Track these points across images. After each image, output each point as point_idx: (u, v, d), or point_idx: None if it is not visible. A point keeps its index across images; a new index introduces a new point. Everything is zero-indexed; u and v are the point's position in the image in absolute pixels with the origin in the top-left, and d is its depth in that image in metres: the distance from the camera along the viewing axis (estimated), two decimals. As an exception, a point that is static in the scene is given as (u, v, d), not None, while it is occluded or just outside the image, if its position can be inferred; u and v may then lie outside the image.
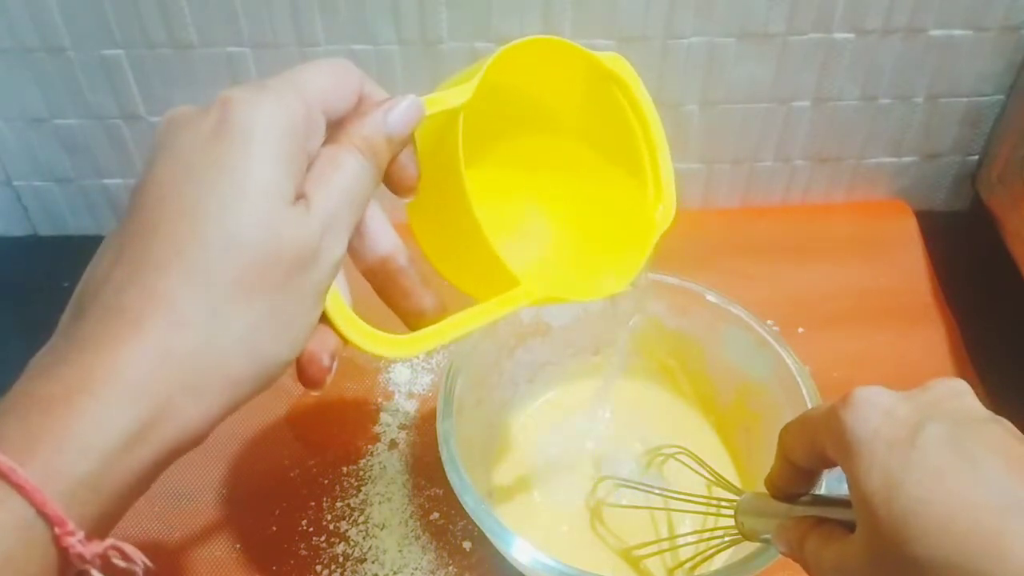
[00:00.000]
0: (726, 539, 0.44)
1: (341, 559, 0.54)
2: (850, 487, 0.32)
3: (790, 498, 0.38)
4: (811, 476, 0.37)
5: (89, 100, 0.63)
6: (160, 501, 0.56)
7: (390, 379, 0.63)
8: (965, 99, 0.67)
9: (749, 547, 0.43)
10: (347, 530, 0.55)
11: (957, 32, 0.63)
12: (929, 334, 0.65)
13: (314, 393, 0.59)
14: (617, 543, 0.52)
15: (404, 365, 0.63)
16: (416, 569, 0.53)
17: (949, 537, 0.28)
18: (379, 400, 0.62)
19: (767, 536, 0.39)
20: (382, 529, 0.55)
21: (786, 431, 0.37)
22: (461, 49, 0.62)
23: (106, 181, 0.69)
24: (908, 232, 0.71)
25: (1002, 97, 0.67)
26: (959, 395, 0.33)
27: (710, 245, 0.70)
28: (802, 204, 0.73)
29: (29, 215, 0.71)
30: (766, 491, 0.40)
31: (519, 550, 0.43)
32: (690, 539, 0.50)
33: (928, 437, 0.30)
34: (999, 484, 0.29)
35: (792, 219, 0.72)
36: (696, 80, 0.64)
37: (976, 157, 0.71)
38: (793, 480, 0.38)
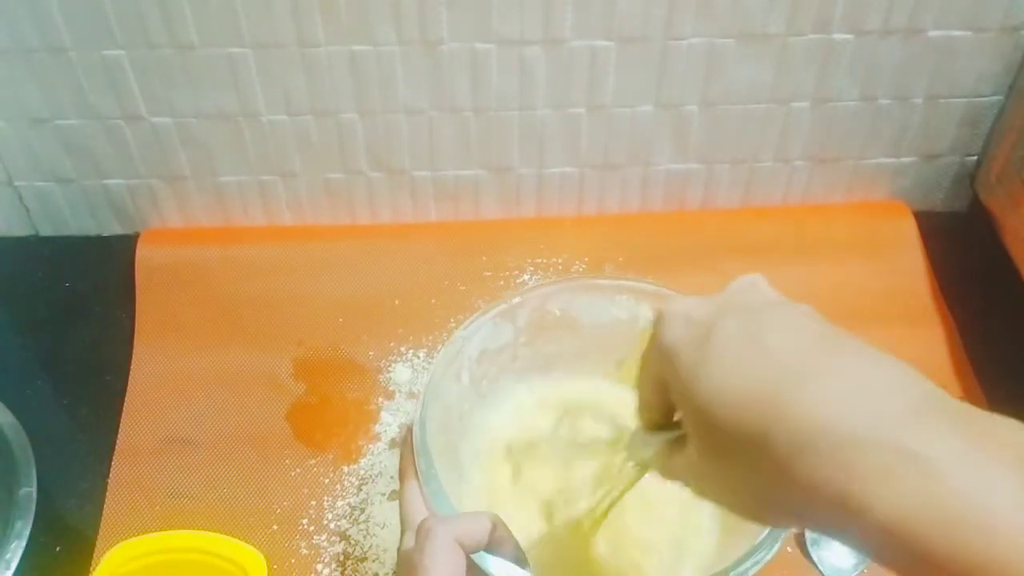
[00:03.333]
0: (627, 475, 0.45)
1: (342, 558, 0.54)
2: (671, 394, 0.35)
3: (661, 427, 0.40)
4: (668, 406, 0.40)
5: (90, 101, 0.64)
6: (160, 500, 0.56)
7: (391, 379, 0.63)
8: (964, 100, 0.67)
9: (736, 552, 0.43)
10: (348, 529, 0.55)
11: (956, 33, 0.63)
12: (928, 334, 0.65)
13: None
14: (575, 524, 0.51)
15: (405, 365, 0.63)
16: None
17: (745, 415, 0.31)
18: (380, 400, 0.62)
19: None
20: (383, 528, 0.55)
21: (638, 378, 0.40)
22: (461, 50, 0.62)
23: (107, 181, 0.69)
24: (907, 232, 0.71)
25: (1001, 98, 0.67)
26: (752, 285, 0.36)
27: (710, 245, 0.70)
28: (802, 204, 0.73)
29: (30, 215, 0.71)
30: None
31: (493, 565, 0.41)
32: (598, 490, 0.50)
33: (720, 331, 0.33)
34: (781, 357, 0.31)
35: (792, 219, 0.72)
36: (696, 80, 0.65)
37: (975, 157, 0.71)
38: (654, 413, 0.40)
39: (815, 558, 0.54)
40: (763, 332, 0.32)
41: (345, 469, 0.58)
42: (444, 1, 0.59)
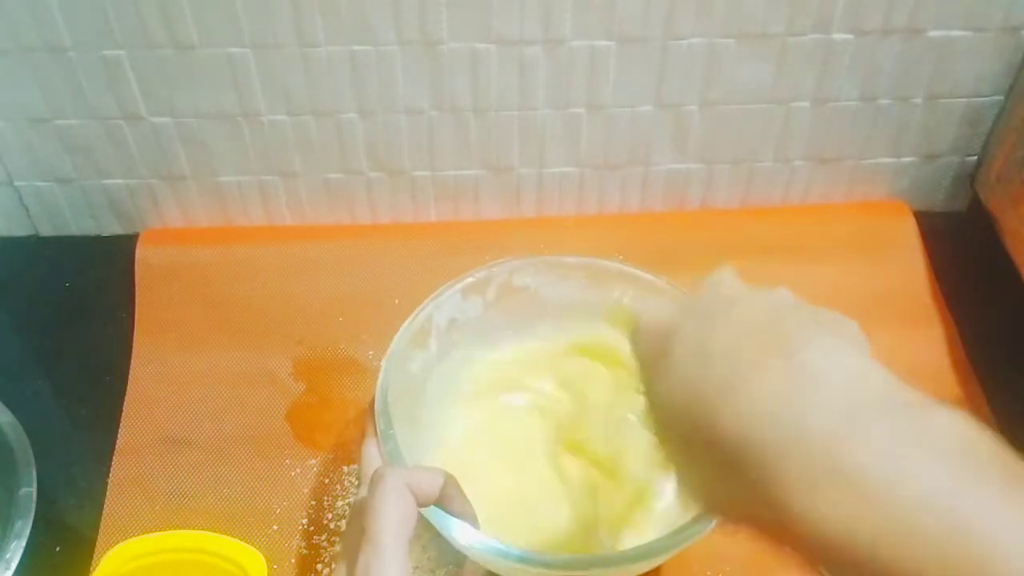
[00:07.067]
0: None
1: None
2: None
3: None
4: None
5: (90, 100, 0.64)
6: (160, 500, 0.56)
7: (390, 379, 0.63)
8: (964, 100, 0.67)
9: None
10: (348, 529, 0.55)
11: (956, 33, 0.63)
12: (928, 334, 0.65)
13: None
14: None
15: (404, 365, 0.64)
16: (416, 568, 0.53)
17: (688, 427, 0.31)
18: (380, 400, 0.62)
19: None
20: (383, 528, 0.55)
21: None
22: (461, 50, 0.62)
23: (107, 181, 0.69)
24: (907, 232, 0.71)
25: (1001, 98, 0.67)
26: (716, 285, 0.36)
27: (710, 245, 0.70)
28: (802, 204, 0.73)
29: (30, 215, 0.71)
30: None
31: (459, 531, 0.42)
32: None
33: (675, 342, 0.33)
34: (718, 365, 0.31)
35: (792, 219, 0.72)
36: (696, 80, 0.65)
37: (975, 157, 0.71)
38: None
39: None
40: (708, 338, 0.32)
41: (345, 469, 0.58)
42: (444, 1, 0.59)
